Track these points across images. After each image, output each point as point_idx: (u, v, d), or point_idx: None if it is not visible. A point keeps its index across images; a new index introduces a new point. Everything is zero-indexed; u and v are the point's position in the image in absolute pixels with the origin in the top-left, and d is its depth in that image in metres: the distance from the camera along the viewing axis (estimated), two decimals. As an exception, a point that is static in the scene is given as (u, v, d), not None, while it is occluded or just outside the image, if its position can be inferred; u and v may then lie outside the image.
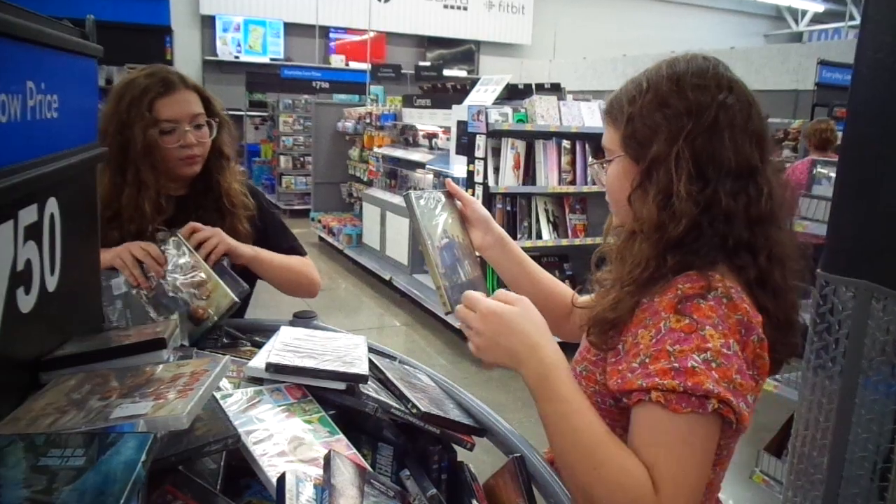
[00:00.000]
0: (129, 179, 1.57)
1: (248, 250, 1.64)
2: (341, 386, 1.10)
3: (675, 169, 0.98)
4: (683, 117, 0.99)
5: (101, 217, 1.36)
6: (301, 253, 1.89)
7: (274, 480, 0.83)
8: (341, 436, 0.98)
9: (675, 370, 0.88)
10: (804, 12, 17.77)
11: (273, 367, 1.09)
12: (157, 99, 1.58)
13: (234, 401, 1.01)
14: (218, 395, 1.00)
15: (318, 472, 0.87)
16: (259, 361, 1.13)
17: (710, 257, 0.98)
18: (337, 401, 1.09)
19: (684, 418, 0.88)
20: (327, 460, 0.86)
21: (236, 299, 1.47)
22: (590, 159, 5.03)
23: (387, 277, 6.71)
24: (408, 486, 1.02)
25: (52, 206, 0.93)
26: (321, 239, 8.81)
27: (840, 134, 5.84)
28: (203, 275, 1.47)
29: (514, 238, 4.92)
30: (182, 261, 1.48)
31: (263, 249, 1.70)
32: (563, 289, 1.40)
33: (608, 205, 1.15)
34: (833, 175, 4.99)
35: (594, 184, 5.02)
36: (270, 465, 0.87)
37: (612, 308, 1.01)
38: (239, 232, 1.70)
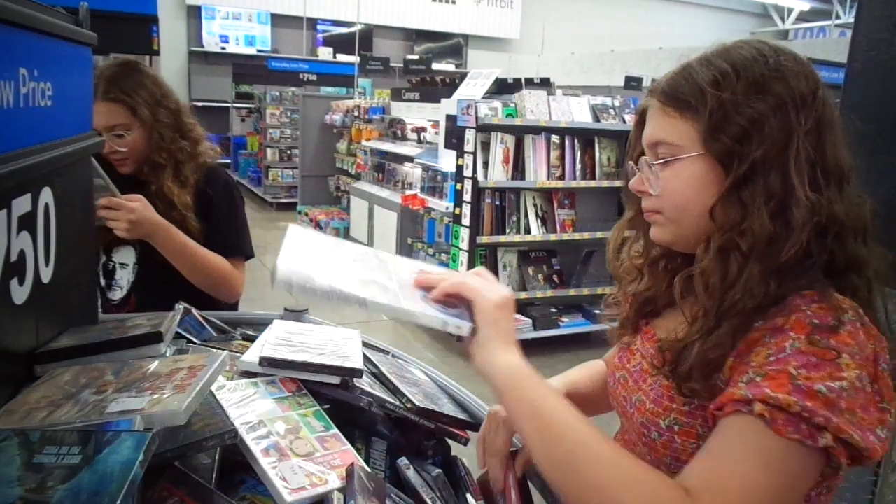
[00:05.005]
0: None
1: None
2: (336, 380, 1.10)
3: (796, 170, 0.82)
4: (791, 108, 0.84)
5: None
6: (243, 253, 1.93)
7: (270, 475, 0.82)
8: (336, 430, 0.98)
9: (796, 388, 0.73)
10: (790, 10, 17.92)
11: (267, 361, 1.08)
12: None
13: (228, 393, 1.00)
14: (213, 387, 0.99)
15: (316, 467, 0.86)
16: (252, 355, 1.12)
17: (816, 278, 0.83)
18: (331, 395, 1.08)
19: (784, 444, 0.73)
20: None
21: None
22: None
23: (374, 271, 6.67)
24: (409, 476, 1.02)
25: (46, 195, 0.92)
26: (308, 232, 8.76)
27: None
28: None
29: (503, 233, 4.92)
30: None
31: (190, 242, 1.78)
32: (598, 365, 1.25)
33: (662, 216, 0.94)
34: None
35: (583, 179, 5.02)
36: (266, 460, 0.87)
37: (714, 347, 0.83)
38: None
